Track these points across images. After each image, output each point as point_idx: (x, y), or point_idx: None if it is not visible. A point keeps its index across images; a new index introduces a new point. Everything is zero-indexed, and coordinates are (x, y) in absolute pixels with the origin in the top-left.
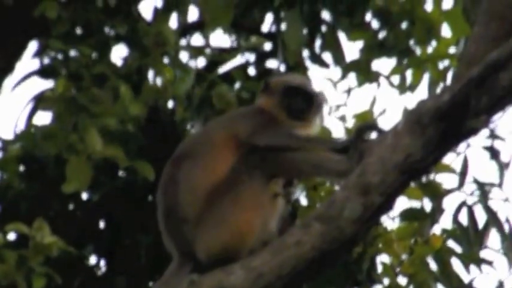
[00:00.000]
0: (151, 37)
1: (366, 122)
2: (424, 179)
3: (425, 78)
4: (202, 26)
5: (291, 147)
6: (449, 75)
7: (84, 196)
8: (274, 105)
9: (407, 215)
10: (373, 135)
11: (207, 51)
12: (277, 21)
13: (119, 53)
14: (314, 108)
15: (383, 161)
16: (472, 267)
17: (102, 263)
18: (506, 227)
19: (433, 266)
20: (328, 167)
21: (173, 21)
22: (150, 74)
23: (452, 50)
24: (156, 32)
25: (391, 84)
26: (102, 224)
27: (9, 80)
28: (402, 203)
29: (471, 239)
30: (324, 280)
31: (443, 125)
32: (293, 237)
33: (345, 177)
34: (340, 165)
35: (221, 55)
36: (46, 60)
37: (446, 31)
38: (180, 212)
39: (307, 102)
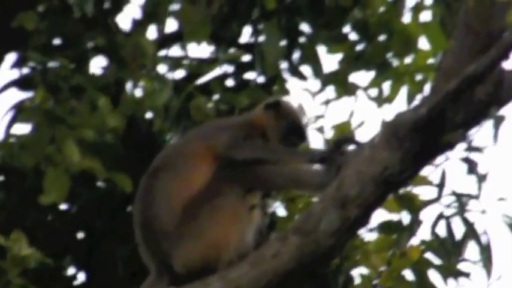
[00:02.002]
0: (130, 49)
1: (343, 135)
2: (401, 191)
3: (403, 90)
4: (180, 38)
5: (269, 161)
6: (427, 88)
7: (63, 207)
8: (271, 127)
9: (385, 228)
10: (351, 147)
11: (185, 62)
12: (255, 33)
13: (97, 65)
14: (303, 143)
15: (360, 174)
16: (450, 280)
17: (80, 274)
18: (484, 239)
19: (410, 278)
20: (305, 180)
21: (152, 33)
22: (128, 86)
23: (430, 62)
24: (134, 43)
25: (369, 96)
26: (80, 235)
27: None
28: (380, 215)
29: (449, 251)
30: None
31: (421, 138)
32: (271, 249)
33: (322, 189)
34: (317, 178)
35: (199, 66)
36: (25, 71)
37: (424, 44)
38: (157, 224)
39: (301, 140)
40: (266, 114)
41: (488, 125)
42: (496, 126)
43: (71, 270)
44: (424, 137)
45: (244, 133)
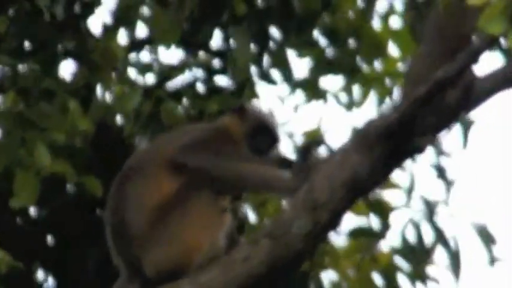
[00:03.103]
0: (100, 53)
1: (313, 139)
2: (371, 196)
3: (373, 95)
4: (151, 42)
5: (229, 167)
6: (396, 93)
7: (32, 211)
8: (239, 132)
9: (355, 233)
10: (321, 152)
11: (156, 67)
12: (225, 37)
13: (67, 68)
14: (273, 149)
15: (331, 179)
16: (418, 284)
17: (50, 278)
18: (453, 244)
19: (379, 282)
20: (275, 184)
21: (122, 37)
22: (99, 90)
23: (399, 68)
24: (104, 47)
25: (339, 101)
26: (50, 239)
27: None
28: (350, 219)
29: (418, 255)
30: None
31: (391, 144)
32: (241, 253)
33: (292, 194)
34: (287, 182)
35: (169, 71)
36: None
37: (393, 49)
38: (128, 229)
39: (271, 144)
40: (232, 120)
41: (457, 129)
42: (465, 131)
43: (40, 275)
44: (394, 142)
45: (211, 140)
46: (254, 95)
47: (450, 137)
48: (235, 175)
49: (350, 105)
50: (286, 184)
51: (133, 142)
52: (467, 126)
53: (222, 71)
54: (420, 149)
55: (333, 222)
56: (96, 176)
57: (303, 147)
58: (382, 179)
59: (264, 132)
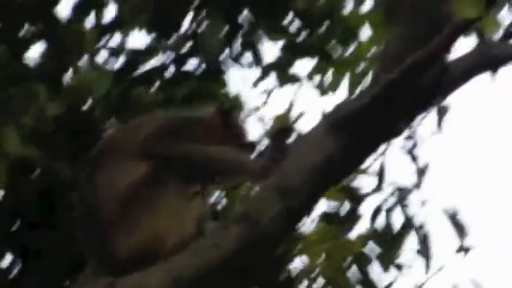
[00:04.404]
0: (69, 37)
1: (284, 124)
2: (343, 182)
3: (346, 80)
4: (120, 26)
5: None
6: (369, 77)
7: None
8: (217, 132)
9: (327, 218)
10: (292, 137)
11: (126, 51)
12: (196, 21)
13: (36, 52)
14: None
15: (302, 164)
16: (390, 271)
17: (16, 264)
18: (424, 230)
19: (351, 269)
20: (246, 169)
21: (91, 21)
22: (68, 74)
23: (372, 51)
24: (74, 31)
25: (311, 85)
26: (16, 225)
27: None
28: (321, 205)
29: (389, 242)
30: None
31: (363, 128)
32: (212, 239)
33: (264, 179)
34: (258, 167)
35: (139, 55)
36: None
37: (366, 33)
38: (97, 214)
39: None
40: (214, 118)
41: (432, 115)
42: (440, 116)
43: (8, 260)
44: (366, 126)
45: (183, 128)
46: (225, 79)
47: (425, 122)
48: (205, 160)
49: (323, 89)
50: (257, 168)
51: (103, 127)
52: (442, 111)
53: (193, 54)
54: (393, 134)
55: (305, 208)
56: (65, 161)
57: (275, 132)
58: (355, 164)
59: (239, 142)
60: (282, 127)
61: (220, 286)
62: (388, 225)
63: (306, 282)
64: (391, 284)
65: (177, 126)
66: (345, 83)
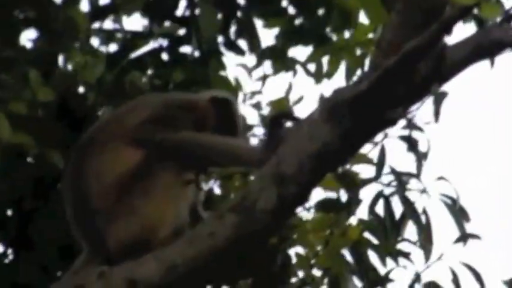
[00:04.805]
0: (62, 21)
1: (280, 111)
2: (340, 169)
3: (343, 66)
4: (114, 10)
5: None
6: (367, 63)
7: None
8: (211, 119)
9: (324, 206)
10: (289, 124)
11: (119, 35)
12: (191, 6)
13: (28, 37)
14: None
15: (298, 151)
16: (389, 260)
17: (10, 251)
18: (424, 219)
19: (349, 258)
20: (242, 156)
21: (84, 5)
22: (61, 59)
23: (370, 37)
24: (66, 16)
25: (308, 72)
26: (9, 212)
27: None
28: (318, 193)
29: (388, 230)
30: (239, 273)
31: (361, 115)
32: (207, 228)
33: (259, 167)
34: (254, 155)
35: (133, 40)
36: None
37: (364, 18)
38: (89, 202)
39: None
40: (209, 106)
41: (430, 101)
42: (438, 103)
43: (0, 248)
44: (364, 113)
45: (178, 113)
46: (220, 65)
47: (423, 109)
48: (200, 147)
49: (319, 76)
50: (253, 156)
51: (97, 113)
52: (439, 98)
53: (187, 39)
54: (392, 121)
55: (301, 196)
56: (59, 148)
57: (271, 118)
58: (352, 152)
59: (232, 134)
60: (277, 113)
61: (214, 276)
62: (388, 213)
63: (301, 273)
64: (389, 273)
65: (171, 112)
66: (341, 69)
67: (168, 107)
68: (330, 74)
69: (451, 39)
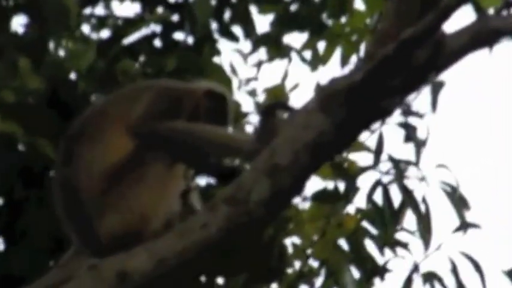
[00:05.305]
0: (52, 7)
1: (274, 101)
2: (337, 158)
3: (338, 53)
4: None
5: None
6: (362, 50)
7: None
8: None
9: (320, 197)
10: (283, 114)
11: (111, 22)
12: None
13: (18, 23)
14: None
15: (293, 141)
16: (387, 250)
17: (1, 241)
18: (423, 208)
19: (346, 248)
20: (235, 147)
21: None
22: (51, 46)
23: (366, 24)
24: (56, 1)
25: (303, 59)
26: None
27: None
28: (314, 183)
29: (386, 219)
30: (233, 265)
31: (357, 104)
32: (199, 219)
33: (253, 157)
34: (247, 145)
35: (125, 26)
36: None
37: (360, 5)
38: (79, 193)
39: None
40: (205, 98)
41: (428, 90)
42: (435, 92)
43: None
44: (360, 102)
45: (171, 104)
46: (215, 51)
47: (421, 97)
48: (192, 136)
49: (315, 63)
50: (246, 147)
51: (88, 101)
52: (437, 87)
53: (181, 25)
54: (389, 110)
55: (296, 187)
56: (49, 136)
57: (265, 108)
58: (348, 140)
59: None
60: (271, 104)
61: (207, 268)
62: (387, 202)
63: (298, 264)
64: (387, 262)
65: (164, 101)
66: (336, 56)
67: (161, 97)
68: (324, 61)
69: (448, 27)
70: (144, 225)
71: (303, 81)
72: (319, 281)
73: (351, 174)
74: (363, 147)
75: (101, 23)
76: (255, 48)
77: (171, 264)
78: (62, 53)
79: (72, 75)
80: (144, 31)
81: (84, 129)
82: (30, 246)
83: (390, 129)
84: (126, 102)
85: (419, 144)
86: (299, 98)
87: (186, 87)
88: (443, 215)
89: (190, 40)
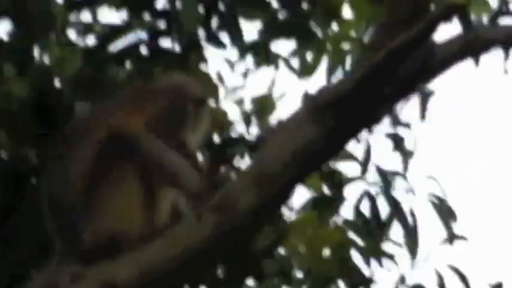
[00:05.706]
0: (38, 13)
1: (219, 154)
2: (324, 168)
3: (325, 62)
4: (92, 1)
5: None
6: (349, 59)
7: None
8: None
9: (320, 203)
10: (273, 122)
11: (97, 28)
12: None
13: (2, 30)
14: None
15: (281, 150)
16: (373, 261)
17: None
18: (410, 219)
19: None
20: (183, 180)
21: None
22: (36, 52)
23: (354, 33)
24: (42, 7)
25: (290, 67)
26: None
27: None
28: (301, 193)
29: (373, 231)
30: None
31: (346, 113)
32: (185, 228)
33: (195, 198)
34: (194, 182)
35: (112, 33)
36: None
37: (348, 13)
38: (64, 200)
39: None
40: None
41: (417, 100)
42: (424, 101)
43: None
44: (349, 111)
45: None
46: (201, 58)
47: (410, 107)
48: (158, 162)
49: (302, 71)
50: (192, 183)
51: (74, 108)
52: (426, 96)
53: (167, 33)
54: (377, 119)
55: (283, 196)
56: (34, 144)
57: (209, 163)
58: (336, 150)
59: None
60: (216, 156)
61: (193, 277)
62: (374, 213)
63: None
64: (373, 274)
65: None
66: (324, 65)
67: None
68: (311, 70)
69: (438, 37)
70: (128, 233)
71: (291, 89)
72: None
73: (337, 183)
74: (350, 157)
75: (87, 29)
76: (242, 55)
77: (157, 273)
78: (47, 59)
79: (58, 83)
80: (130, 38)
81: (74, 138)
82: (16, 253)
83: (378, 139)
84: (113, 109)
85: (407, 155)
86: (287, 107)
87: (178, 85)
88: (430, 226)
89: (177, 48)
